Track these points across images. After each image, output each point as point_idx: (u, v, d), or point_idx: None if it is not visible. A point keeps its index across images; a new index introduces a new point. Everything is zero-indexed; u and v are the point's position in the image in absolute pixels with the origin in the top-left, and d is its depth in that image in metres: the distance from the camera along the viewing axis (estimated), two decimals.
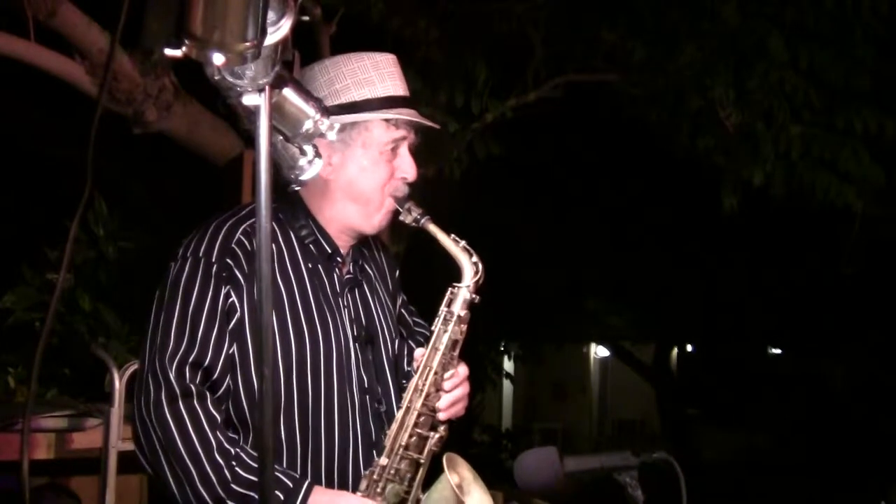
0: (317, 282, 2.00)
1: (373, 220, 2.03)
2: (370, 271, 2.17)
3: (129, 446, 3.09)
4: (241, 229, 1.94)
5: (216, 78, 1.20)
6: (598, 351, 19.04)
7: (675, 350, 16.29)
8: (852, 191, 4.60)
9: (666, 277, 10.43)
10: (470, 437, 10.35)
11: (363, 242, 2.14)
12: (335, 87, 1.96)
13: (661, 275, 10.36)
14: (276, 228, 1.99)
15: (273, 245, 1.95)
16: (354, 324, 2.04)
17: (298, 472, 1.93)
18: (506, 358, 12.72)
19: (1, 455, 2.78)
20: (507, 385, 15.36)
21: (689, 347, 16.74)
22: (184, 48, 1.11)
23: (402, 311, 2.31)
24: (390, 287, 2.23)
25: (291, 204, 2.02)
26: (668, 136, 5.07)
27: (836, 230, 5.72)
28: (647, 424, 16.69)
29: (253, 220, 1.94)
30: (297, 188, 2.00)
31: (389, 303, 2.19)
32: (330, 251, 2.03)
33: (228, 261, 1.90)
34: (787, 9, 4.40)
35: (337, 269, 2.05)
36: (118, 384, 3.06)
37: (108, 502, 3.05)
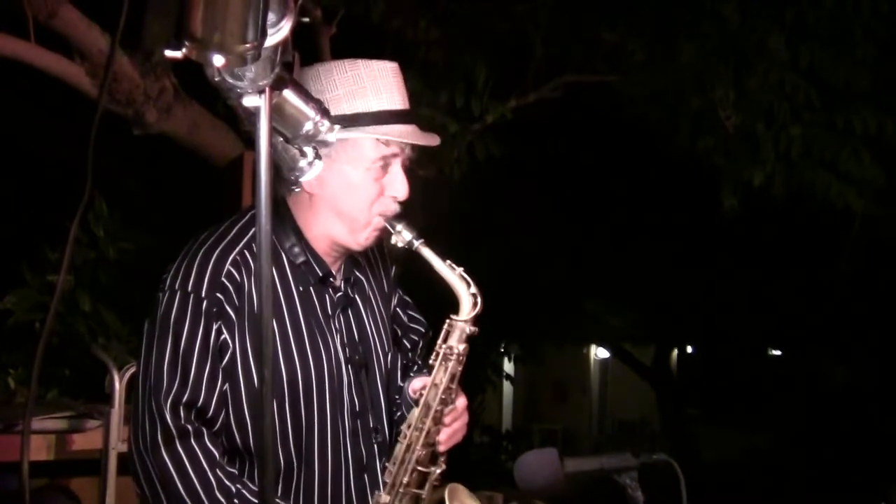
0: (308, 306, 1.94)
1: (359, 238, 1.93)
2: (364, 282, 2.09)
3: None
4: (230, 259, 1.86)
5: (216, 79, 1.20)
6: (599, 352, 19.03)
7: (675, 351, 16.28)
8: (852, 191, 4.60)
9: (666, 278, 10.42)
10: (470, 438, 10.34)
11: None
12: (325, 96, 1.82)
13: (662, 276, 10.35)
14: None
15: None
16: (347, 346, 1.98)
17: (292, 498, 1.91)
18: (506, 359, 12.70)
19: (1, 456, 2.78)
20: (507, 386, 15.36)
21: (689, 349, 16.73)
22: (184, 50, 1.10)
23: (398, 309, 2.25)
24: (385, 287, 2.16)
25: (280, 219, 1.93)
26: (668, 136, 5.07)
27: (836, 230, 5.72)
28: (648, 425, 16.69)
29: (241, 245, 1.88)
30: (283, 198, 1.94)
31: (384, 310, 2.13)
32: (322, 274, 1.95)
33: (219, 295, 1.83)
34: (787, 9, 4.40)
35: (329, 291, 1.98)
36: (118, 385, 3.07)
37: (108, 503, 3.05)
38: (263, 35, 1.13)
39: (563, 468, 1.91)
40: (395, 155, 1.90)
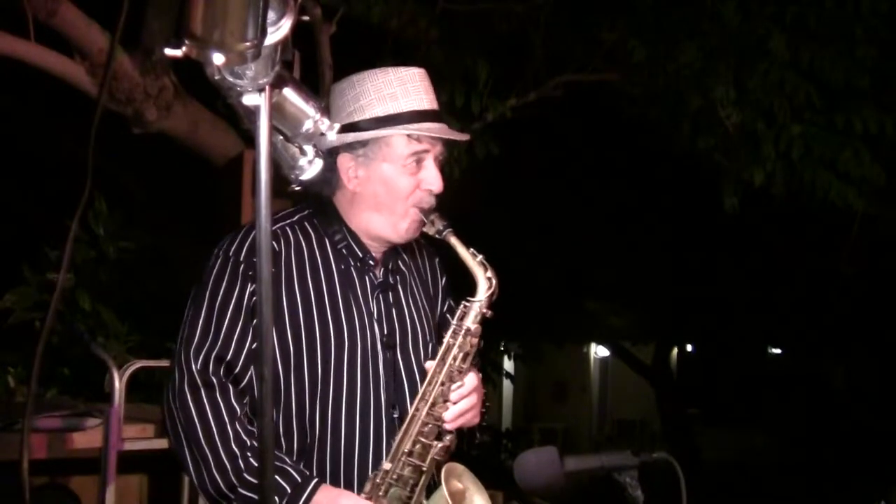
0: (347, 283, 2.07)
1: (399, 230, 2.07)
2: (408, 276, 2.21)
3: (129, 446, 3.10)
4: (270, 231, 1.97)
5: (216, 78, 1.20)
6: (599, 351, 19.04)
7: (675, 350, 16.28)
8: (853, 191, 4.60)
9: (666, 277, 10.42)
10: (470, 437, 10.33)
11: (404, 248, 2.19)
12: (360, 102, 2.01)
13: (662, 275, 10.36)
14: (311, 232, 2.08)
15: (306, 247, 2.05)
16: (385, 326, 2.09)
17: (315, 468, 1.98)
18: (506, 357, 12.70)
19: (1, 455, 2.78)
20: (506, 385, 15.36)
21: (689, 347, 16.74)
22: (184, 48, 1.11)
23: (447, 315, 2.31)
24: (431, 292, 2.27)
25: (326, 212, 2.09)
26: (669, 135, 5.06)
27: (836, 230, 5.71)
28: (647, 424, 16.70)
29: (284, 223, 2.05)
30: (329, 197, 2.08)
31: (428, 309, 2.23)
32: (361, 255, 2.09)
33: (255, 260, 1.94)
34: (787, 8, 4.39)
35: (369, 273, 2.11)
36: (118, 384, 3.06)
37: (107, 502, 3.05)
38: (263, 33, 1.13)
39: (563, 467, 1.91)
40: (426, 151, 2.04)
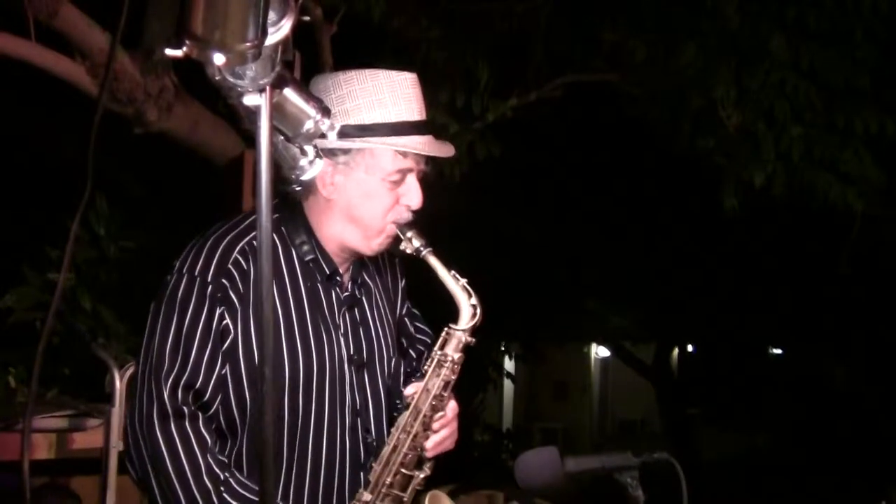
0: (314, 301, 1.97)
1: (371, 244, 1.97)
2: (372, 287, 2.12)
3: None
4: (238, 247, 1.90)
5: (217, 78, 1.20)
6: (599, 351, 19.03)
7: (676, 350, 16.27)
8: (853, 192, 4.60)
9: (667, 277, 10.42)
10: (471, 437, 10.35)
11: (369, 257, 2.09)
12: (346, 105, 1.87)
13: (662, 275, 10.35)
14: (278, 243, 1.96)
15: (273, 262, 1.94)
16: (351, 345, 2.01)
17: (281, 490, 1.93)
18: (507, 357, 12.71)
19: (2, 455, 2.78)
20: (507, 385, 15.37)
21: (689, 347, 16.71)
22: (184, 48, 1.11)
23: (405, 318, 2.28)
24: (392, 296, 2.20)
25: (293, 217, 1.98)
26: (669, 136, 5.06)
27: (837, 230, 5.71)
28: (648, 424, 16.68)
29: (251, 235, 1.91)
30: (299, 199, 1.98)
31: (390, 317, 2.16)
32: (329, 272, 1.99)
33: (224, 281, 1.87)
34: (787, 9, 4.39)
35: (336, 289, 2.02)
36: (118, 384, 3.07)
37: (108, 502, 3.05)
38: (264, 33, 1.13)
39: (564, 467, 1.91)
40: (410, 169, 1.94)
